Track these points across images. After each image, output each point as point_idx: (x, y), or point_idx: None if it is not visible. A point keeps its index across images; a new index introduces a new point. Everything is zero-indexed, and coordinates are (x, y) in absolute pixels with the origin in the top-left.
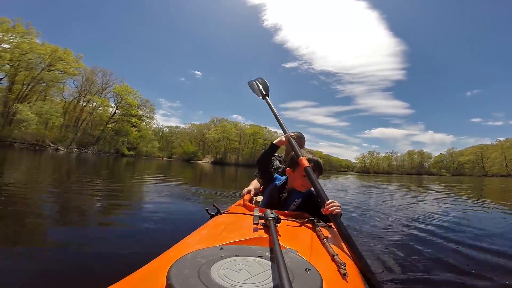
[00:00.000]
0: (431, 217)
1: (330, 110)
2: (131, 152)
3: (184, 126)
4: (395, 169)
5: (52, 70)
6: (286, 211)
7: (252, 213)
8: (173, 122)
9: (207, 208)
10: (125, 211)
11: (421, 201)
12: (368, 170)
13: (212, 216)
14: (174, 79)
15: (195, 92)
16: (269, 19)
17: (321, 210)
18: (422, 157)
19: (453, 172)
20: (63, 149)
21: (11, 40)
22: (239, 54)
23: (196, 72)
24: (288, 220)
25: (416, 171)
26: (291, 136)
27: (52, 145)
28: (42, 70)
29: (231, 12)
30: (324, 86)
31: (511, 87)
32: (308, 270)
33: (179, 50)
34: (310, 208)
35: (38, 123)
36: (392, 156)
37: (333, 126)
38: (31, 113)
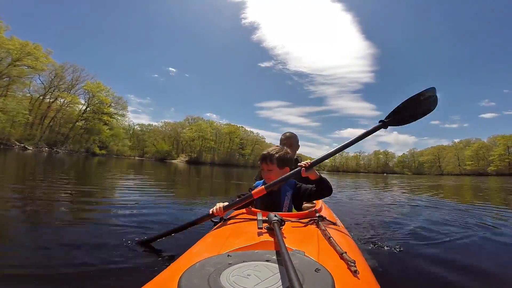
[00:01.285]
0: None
1: (303, 110)
2: (103, 151)
3: (156, 124)
4: (363, 168)
5: (18, 65)
6: (289, 213)
7: (255, 217)
8: (144, 120)
9: None
10: (125, 219)
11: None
12: (338, 169)
13: (215, 223)
14: (146, 75)
15: (168, 89)
16: (249, 17)
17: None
18: (387, 157)
19: (414, 171)
20: (31, 148)
21: None
22: (217, 51)
23: (171, 68)
24: (292, 222)
25: (381, 169)
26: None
27: (18, 143)
28: (9, 65)
29: (211, 8)
30: (297, 87)
31: (465, 92)
32: (318, 270)
33: (153, 45)
34: (303, 192)
35: (3, 120)
36: (360, 155)
37: (306, 126)
38: None
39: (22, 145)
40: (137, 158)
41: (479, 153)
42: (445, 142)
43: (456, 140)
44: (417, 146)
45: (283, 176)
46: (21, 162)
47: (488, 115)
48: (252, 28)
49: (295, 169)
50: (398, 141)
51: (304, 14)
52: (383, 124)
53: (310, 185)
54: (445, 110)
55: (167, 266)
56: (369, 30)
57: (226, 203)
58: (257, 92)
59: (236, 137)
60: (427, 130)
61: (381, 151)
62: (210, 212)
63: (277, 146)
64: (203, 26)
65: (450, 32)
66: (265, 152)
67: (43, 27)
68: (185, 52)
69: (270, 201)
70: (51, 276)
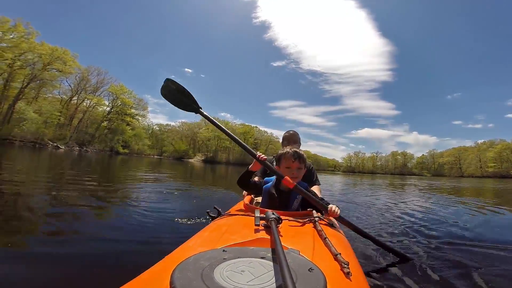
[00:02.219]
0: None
1: (318, 110)
2: (126, 150)
3: (174, 124)
4: (379, 169)
5: (48, 70)
6: (287, 211)
7: (253, 214)
8: (161, 119)
9: (208, 211)
10: (125, 212)
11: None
12: (353, 170)
13: (213, 218)
14: (163, 76)
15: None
16: (261, 16)
17: (325, 216)
18: (405, 158)
19: (433, 172)
20: (63, 147)
21: (12, 39)
22: (231, 51)
23: (187, 69)
24: (289, 220)
25: (399, 171)
26: (261, 158)
27: (51, 143)
28: (40, 69)
29: (224, 8)
30: (311, 86)
31: (490, 91)
32: (311, 270)
33: (168, 47)
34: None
35: (39, 121)
36: (377, 156)
37: (321, 126)
38: (33, 112)
39: (54, 144)
40: (156, 156)
41: (503, 155)
42: (468, 143)
43: (479, 141)
44: (439, 147)
45: (310, 193)
46: (58, 160)
47: None
48: (264, 27)
49: (323, 201)
50: (418, 142)
51: (316, 12)
52: None
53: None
54: (469, 109)
55: (161, 258)
56: (385, 27)
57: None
58: (271, 91)
59: (250, 137)
60: (449, 130)
61: (399, 152)
62: (257, 155)
63: (293, 146)
64: (216, 26)
65: (471, 28)
66: (297, 151)
67: (63, 30)
68: (200, 53)
69: (279, 201)
70: (51, 261)
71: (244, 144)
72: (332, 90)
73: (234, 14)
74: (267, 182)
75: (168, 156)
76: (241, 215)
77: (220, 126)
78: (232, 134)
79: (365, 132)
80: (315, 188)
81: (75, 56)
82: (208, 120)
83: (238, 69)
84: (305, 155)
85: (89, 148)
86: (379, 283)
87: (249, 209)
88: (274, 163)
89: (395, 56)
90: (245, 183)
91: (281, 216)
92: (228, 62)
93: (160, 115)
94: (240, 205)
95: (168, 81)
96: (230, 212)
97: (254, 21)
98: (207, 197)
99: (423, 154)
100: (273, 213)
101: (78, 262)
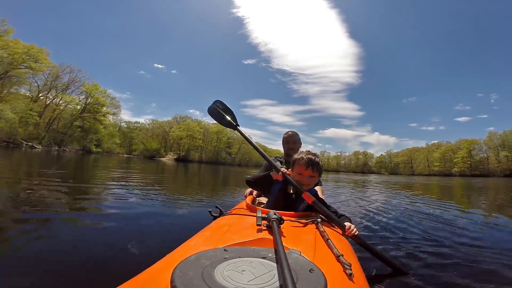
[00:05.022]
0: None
1: (288, 109)
2: (99, 149)
3: (143, 121)
4: (343, 167)
5: (20, 68)
6: (289, 212)
7: (255, 214)
8: (124, 115)
9: (210, 210)
10: (127, 211)
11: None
12: None
13: (215, 217)
14: (128, 69)
15: (151, 84)
16: (238, 11)
17: (343, 234)
18: (366, 157)
19: (390, 171)
20: (39, 147)
21: None
22: (204, 46)
23: (157, 65)
24: (291, 221)
25: (360, 169)
26: (286, 173)
27: (25, 142)
28: (13, 66)
29: (200, 1)
30: (281, 85)
31: (442, 96)
32: (312, 270)
33: (139, 41)
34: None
35: (15, 121)
36: (341, 155)
37: (290, 125)
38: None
39: (29, 144)
40: (125, 155)
41: (446, 156)
42: (422, 144)
43: (430, 143)
44: (397, 147)
45: (319, 202)
46: (45, 161)
47: (462, 119)
48: (239, 22)
49: (341, 217)
50: (379, 142)
51: (289, 10)
52: None
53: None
54: (424, 112)
55: (162, 257)
56: (353, 29)
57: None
58: (242, 89)
59: (223, 137)
60: (406, 132)
61: (361, 151)
62: (279, 171)
63: (310, 151)
64: (193, 22)
65: (425, 36)
66: (312, 158)
67: (25, 20)
68: (172, 48)
69: (285, 204)
70: (41, 269)
71: (271, 160)
72: (300, 90)
73: (209, 7)
74: (276, 181)
75: (138, 154)
76: (243, 215)
77: (252, 143)
78: (262, 151)
79: (331, 132)
80: (317, 189)
81: (47, 54)
82: (243, 137)
83: (211, 65)
84: (321, 163)
85: (67, 147)
86: (380, 286)
87: (251, 209)
88: (278, 163)
89: (361, 59)
90: (261, 186)
91: (283, 217)
92: (201, 58)
93: (123, 111)
94: (242, 205)
95: (216, 102)
96: (232, 211)
97: (229, 17)
98: (206, 198)
99: (381, 154)
100: (275, 213)
101: (77, 261)
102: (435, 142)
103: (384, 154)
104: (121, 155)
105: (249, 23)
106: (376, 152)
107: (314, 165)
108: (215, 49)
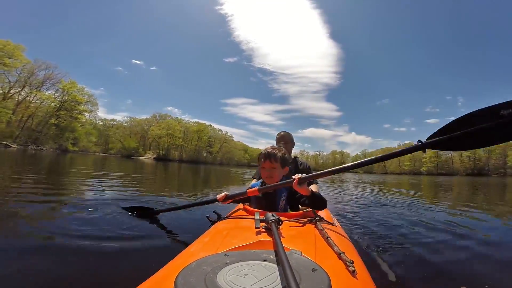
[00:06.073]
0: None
1: (268, 108)
2: (76, 148)
3: (120, 119)
4: (321, 166)
5: None
6: (287, 213)
7: (253, 216)
8: (98, 112)
9: (207, 215)
10: (122, 217)
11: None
12: None
13: (213, 222)
14: (102, 64)
15: (127, 80)
16: (222, 8)
17: (296, 188)
18: (343, 157)
19: (365, 170)
20: (14, 146)
21: None
22: (185, 42)
23: (135, 61)
24: (289, 221)
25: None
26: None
27: None
28: None
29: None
30: (261, 84)
31: (413, 98)
32: (315, 270)
33: (118, 35)
34: (297, 196)
35: None
36: (319, 155)
37: (271, 124)
38: None
39: (3, 143)
40: (102, 154)
41: (415, 155)
42: (395, 144)
43: (402, 143)
44: (372, 147)
45: (276, 184)
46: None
47: (432, 120)
48: (222, 21)
49: (288, 180)
50: (355, 142)
51: (272, 9)
52: (421, 146)
53: None
54: (396, 114)
55: (163, 265)
56: (334, 29)
57: (229, 193)
58: (223, 87)
59: (204, 135)
60: (381, 132)
61: (338, 151)
62: (217, 198)
63: (274, 146)
64: (175, 18)
65: (405, 39)
66: (269, 151)
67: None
68: (151, 44)
69: (265, 202)
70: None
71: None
72: (280, 90)
73: (193, 3)
74: (253, 187)
75: (115, 153)
76: (241, 218)
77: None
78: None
79: (310, 131)
80: (312, 187)
81: (22, 49)
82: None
83: (192, 62)
84: (282, 153)
85: (44, 146)
86: (384, 280)
87: (248, 212)
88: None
89: (340, 60)
90: (243, 202)
91: (281, 218)
92: (182, 55)
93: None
94: (239, 208)
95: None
96: (229, 215)
97: (212, 14)
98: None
99: (357, 154)
100: (273, 215)
101: (79, 271)
102: (406, 142)
103: (360, 154)
104: (98, 153)
105: (232, 21)
106: (352, 151)
107: (271, 157)
108: (197, 46)
